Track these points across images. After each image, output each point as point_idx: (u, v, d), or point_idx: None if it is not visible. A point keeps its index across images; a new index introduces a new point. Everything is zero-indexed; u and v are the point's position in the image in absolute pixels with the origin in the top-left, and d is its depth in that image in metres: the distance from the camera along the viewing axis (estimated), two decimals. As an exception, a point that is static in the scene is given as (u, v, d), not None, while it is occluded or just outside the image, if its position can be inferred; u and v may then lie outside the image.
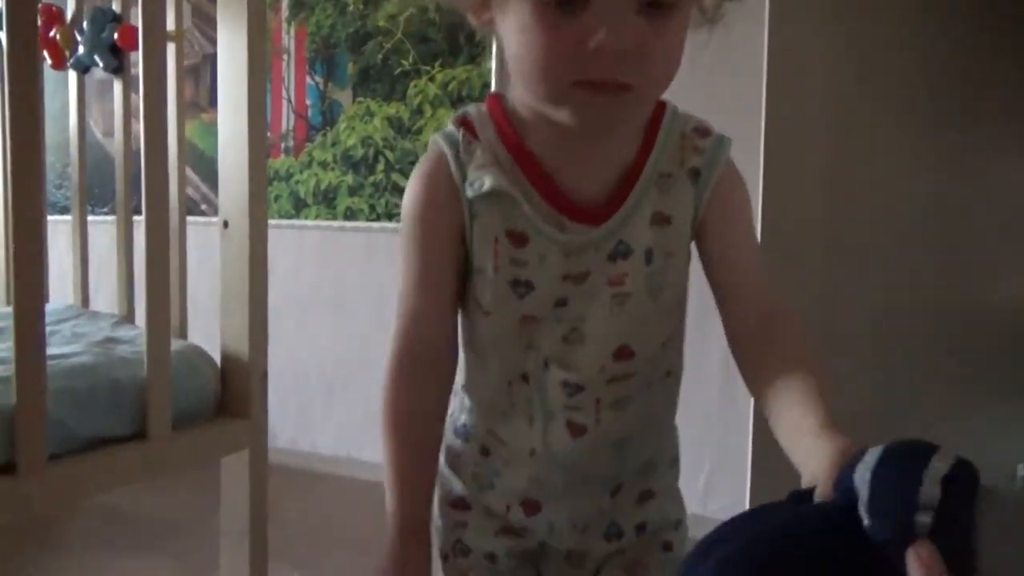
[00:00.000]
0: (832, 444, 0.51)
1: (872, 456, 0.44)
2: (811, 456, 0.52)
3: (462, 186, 0.69)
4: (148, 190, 1.12)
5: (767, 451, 1.87)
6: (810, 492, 0.49)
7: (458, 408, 0.79)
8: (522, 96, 0.67)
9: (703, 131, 0.71)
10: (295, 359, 2.58)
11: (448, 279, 0.72)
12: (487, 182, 0.67)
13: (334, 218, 2.54)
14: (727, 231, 0.71)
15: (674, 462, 0.82)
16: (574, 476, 0.73)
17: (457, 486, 0.79)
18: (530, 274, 0.68)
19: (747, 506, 1.94)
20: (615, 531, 0.77)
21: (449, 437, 0.79)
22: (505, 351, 0.71)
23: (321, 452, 2.61)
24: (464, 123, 0.70)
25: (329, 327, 2.58)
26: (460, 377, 0.77)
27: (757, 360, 0.66)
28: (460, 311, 0.74)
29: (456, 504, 0.79)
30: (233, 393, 1.22)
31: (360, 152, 2.49)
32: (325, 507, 2.25)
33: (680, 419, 0.81)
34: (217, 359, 1.24)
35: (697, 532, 0.59)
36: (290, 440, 2.62)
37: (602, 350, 0.69)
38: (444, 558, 0.81)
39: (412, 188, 0.72)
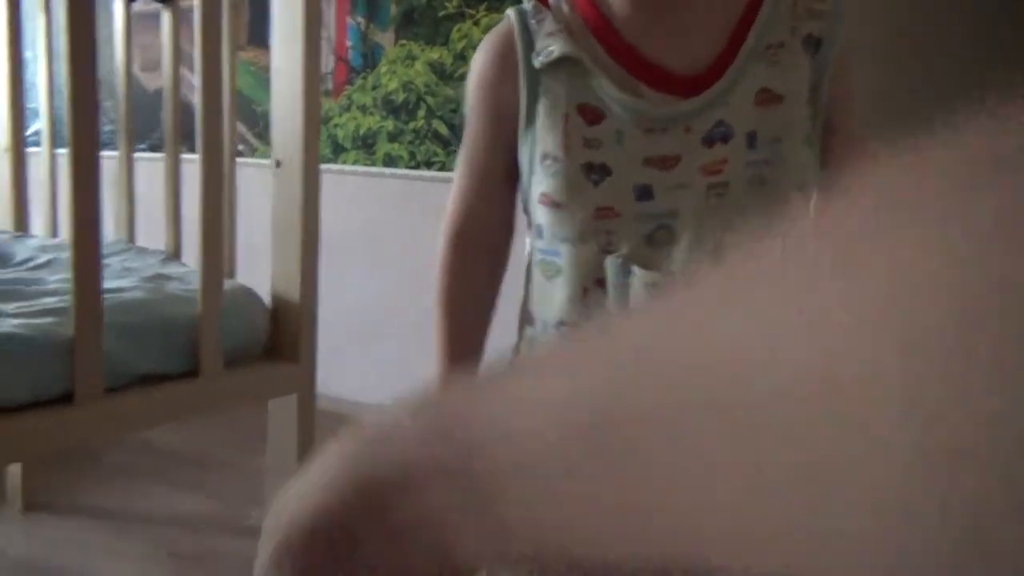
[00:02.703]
0: None
1: None
2: None
3: (527, 58, 0.63)
4: (204, 128, 1.10)
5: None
6: None
7: (518, 347, 0.71)
8: None
9: None
10: (326, 305, 2.58)
11: (501, 158, 0.67)
12: (556, 49, 0.61)
13: (373, 164, 2.51)
14: (842, 107, 0.63)
15: None
16: None
17: None
18: (605, 156, 0.61)
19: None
20: None
21: None
22: (578, 253, 0.63)
23: (347, 397, 2.63)
24: None
25: (363, 275, 2.58)
26: (522, 306, 0.70)
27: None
28: (526, 212, 0.69)
29: None
30: (283, 336, 1.21)
31: (401, 97, 2.45)
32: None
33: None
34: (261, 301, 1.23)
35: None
36: (320, 383, 2.64)
37: (697, 251, 0.60)
38: None
39: (474, 61, 0.68)
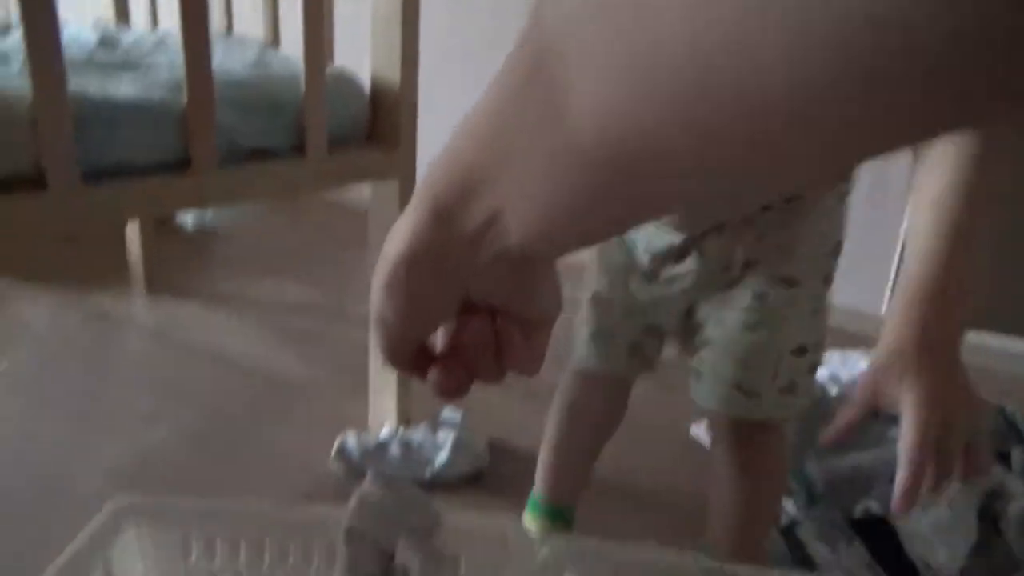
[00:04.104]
0: (901, 330, 0.56)
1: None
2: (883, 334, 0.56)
3: None
4: None
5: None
6: None
7: None
8: None
9: None
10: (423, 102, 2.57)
11: None
12: None
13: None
14: None
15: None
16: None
17: None
18: None
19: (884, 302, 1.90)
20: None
21: None
22: None
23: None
24: None
25: (457, 81, 2.53)
26: None
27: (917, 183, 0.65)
28: None
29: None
30: (383, 122, 1.22)
31: None
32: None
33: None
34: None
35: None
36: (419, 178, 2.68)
37: None
38: None
39: None
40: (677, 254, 0.82)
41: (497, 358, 0.34)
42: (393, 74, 1.18)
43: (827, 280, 0.83)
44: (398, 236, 0.31)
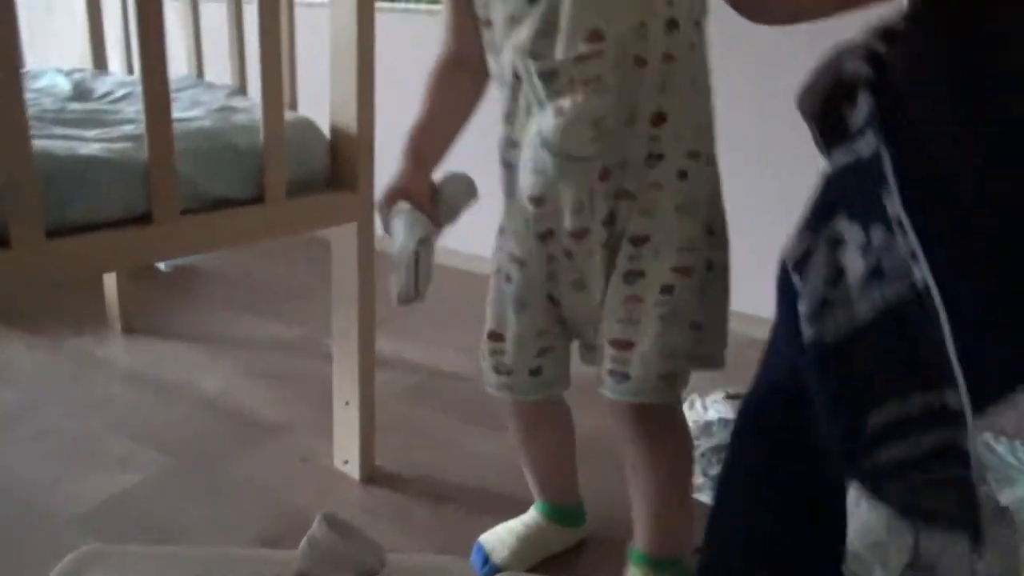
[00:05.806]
0: None
1: None
2: None
3: None
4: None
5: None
6: None
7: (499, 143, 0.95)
8: None
9: None
10: (387, 143, 2.61)
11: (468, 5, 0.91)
12: None
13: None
14: None
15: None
16: (562, 160, 0.86)
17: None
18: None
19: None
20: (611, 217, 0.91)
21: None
22: (502, 58, 0.89)
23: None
24: None
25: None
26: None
27: None
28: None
29: (502, 231, 1.01)
30: (342, 166, 1.26)
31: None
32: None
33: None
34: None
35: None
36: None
37: (573, 35, 0.82)
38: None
39: None
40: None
41: None
42: (350, 118, 1.23)
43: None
44: None
